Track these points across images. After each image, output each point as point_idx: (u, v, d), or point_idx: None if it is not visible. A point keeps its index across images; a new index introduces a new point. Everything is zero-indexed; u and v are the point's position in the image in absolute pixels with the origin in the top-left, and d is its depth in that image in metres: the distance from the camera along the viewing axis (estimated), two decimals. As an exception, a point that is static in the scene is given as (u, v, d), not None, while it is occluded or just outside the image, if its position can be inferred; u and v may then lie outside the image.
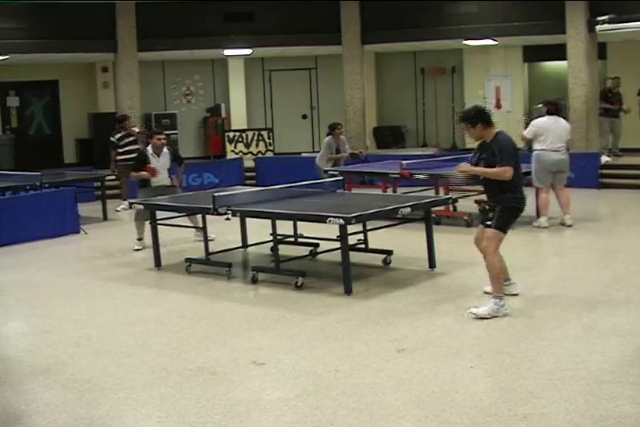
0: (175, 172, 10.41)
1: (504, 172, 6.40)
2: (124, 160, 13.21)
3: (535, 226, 10.17)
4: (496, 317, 6.29)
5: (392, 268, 8.35)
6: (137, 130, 13.90)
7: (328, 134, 13.01)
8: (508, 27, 15.77)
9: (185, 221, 9.82)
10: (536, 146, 10.25)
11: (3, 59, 15.58)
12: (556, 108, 10.46)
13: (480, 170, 6.58)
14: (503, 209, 6.49)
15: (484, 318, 6.27)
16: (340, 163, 12.98)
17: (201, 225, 9.72)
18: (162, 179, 10.03)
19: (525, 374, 5.07)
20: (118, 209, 13.26)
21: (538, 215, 10.43)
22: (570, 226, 10.17)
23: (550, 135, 10.16)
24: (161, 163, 10.00)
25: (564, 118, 10.87)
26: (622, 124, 15.73)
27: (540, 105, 11.11)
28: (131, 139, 13.53)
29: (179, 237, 10.17)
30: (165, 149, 10.10)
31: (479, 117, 6.54)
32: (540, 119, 10.42)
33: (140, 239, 9.90)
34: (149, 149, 10.04)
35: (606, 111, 15.46)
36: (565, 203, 10.32)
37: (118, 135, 13.51)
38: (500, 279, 6.53)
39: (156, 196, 9.49)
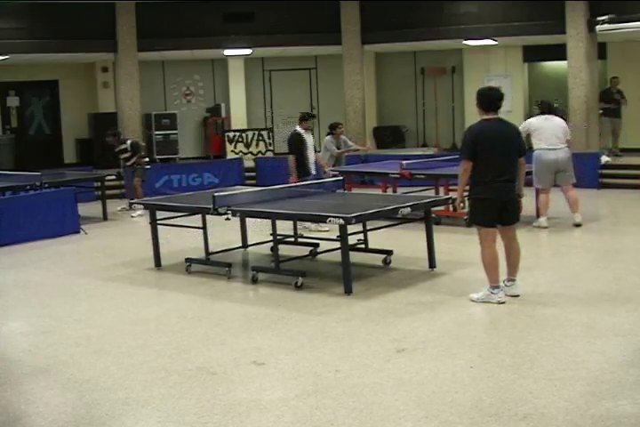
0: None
1: (461, 168, 6.64)
2: (145, 162, 13.32)
3: (535, 226, 10.18)
4: (489, 302, 6.65)
5: (392, 268, 8.34)
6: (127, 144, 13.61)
7: (328, 134, 12.96)
8: (508, 27, 15.77)
9: (184, 220, 9.79)
10: (535, 145, 10.27)
11: (3, 59, 15.58)
12: (548, 106, 10.46)
13: (459, 188, 6.84)
14: (471, 203, 6.73)
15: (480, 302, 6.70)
16: (342, 161, 12.94)
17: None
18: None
19: (525, 374, 5.07)
20: (134, 215, 12.70)
21: (538, 215, 10.43)
22: (579, 225, 10.14)
23: (544, 133, 10.13)
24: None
25: (563, 118, 10.87)
26: (622, 122, 15.77)
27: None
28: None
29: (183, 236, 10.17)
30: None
31: (480, 96, 6.66)
32: (530, 118, 10.53)
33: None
34: (299, 129, 10.66)
35: (607, 111, 15.50)
36: (573, 202, 10.28)
37: (130, 142, 13.41)
38: (491, 270, 6.69)
39: None
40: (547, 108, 10.41)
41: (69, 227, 11.22)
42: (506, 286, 6.83)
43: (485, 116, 6.64)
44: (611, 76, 16.09)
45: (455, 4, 16.29)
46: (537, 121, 10.29)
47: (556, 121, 10.28)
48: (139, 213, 12.55)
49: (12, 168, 15.15)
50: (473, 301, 6.74)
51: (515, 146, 6.73)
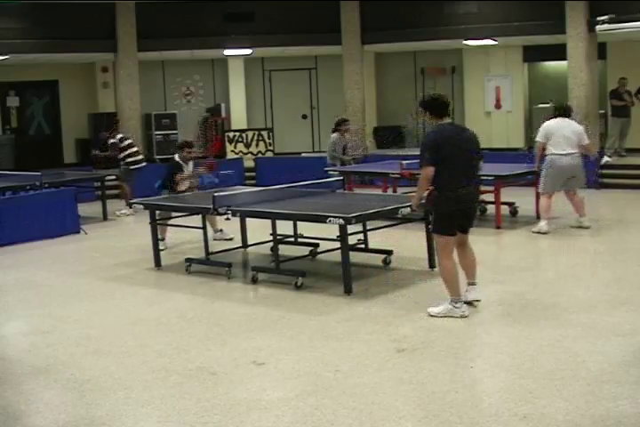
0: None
1: (422, 174, 6.34)
2: (129, 162, 13.24)
3: (534, 231, 9.88)
4: (451, 317, 6.31)
5: (392, 268, 8.35)
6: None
7: (334, 131, 12.81)
8: (508, 27, 15.75)
9: (185, 221, 9.80)
10: (548, 150, 9.86)
11: (3, 59, 15.57)
12: (563, 110, 10.10)
13: (418, 189, 6.57)
14: (434, 211, 6.48)
15: (441, 317, 6.35)
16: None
17: (219, 226, 9.83)
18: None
19: (525, 374, 5.07)
20: (118, 214, 12.91)
21: (538, 219, 10.30)
22: (588, 227, 9.99)
23: (558, 138, 9.78)
24: (190, 170, 10.25)
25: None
26: (631, 122, 15.76)
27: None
28: (130, 141, 13.44)
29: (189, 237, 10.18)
30: (191, 162, 10.36)
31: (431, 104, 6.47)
32: (549, 121, 10.06)
33: (161, 239, 9.66)
34: (176, 157, 10.23)
35: (617, 111, 15.51)
36: (580, 206, 10.04)
37: (119, 136, 13.38)
38: (452, 284, 6.42)
39: None
40: (563, 111, 10.02)
41: (69, 227, 11.22)
42: (466, 291, 6.64)
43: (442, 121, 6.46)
44: (619, 77, 16.03)
45: (455, 4, 16.27)
46: (555, 124, 9.90)
47: (572, 125, 9.93)
48: (123, 211, 12.89)
49: (12, 168, 15.14)
50: (432, 316, 6.39)
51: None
